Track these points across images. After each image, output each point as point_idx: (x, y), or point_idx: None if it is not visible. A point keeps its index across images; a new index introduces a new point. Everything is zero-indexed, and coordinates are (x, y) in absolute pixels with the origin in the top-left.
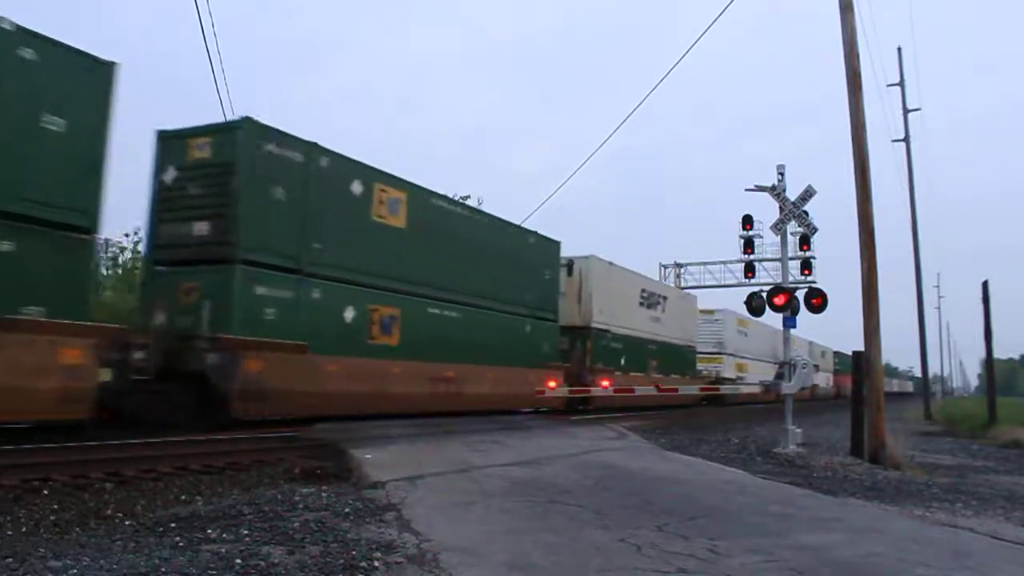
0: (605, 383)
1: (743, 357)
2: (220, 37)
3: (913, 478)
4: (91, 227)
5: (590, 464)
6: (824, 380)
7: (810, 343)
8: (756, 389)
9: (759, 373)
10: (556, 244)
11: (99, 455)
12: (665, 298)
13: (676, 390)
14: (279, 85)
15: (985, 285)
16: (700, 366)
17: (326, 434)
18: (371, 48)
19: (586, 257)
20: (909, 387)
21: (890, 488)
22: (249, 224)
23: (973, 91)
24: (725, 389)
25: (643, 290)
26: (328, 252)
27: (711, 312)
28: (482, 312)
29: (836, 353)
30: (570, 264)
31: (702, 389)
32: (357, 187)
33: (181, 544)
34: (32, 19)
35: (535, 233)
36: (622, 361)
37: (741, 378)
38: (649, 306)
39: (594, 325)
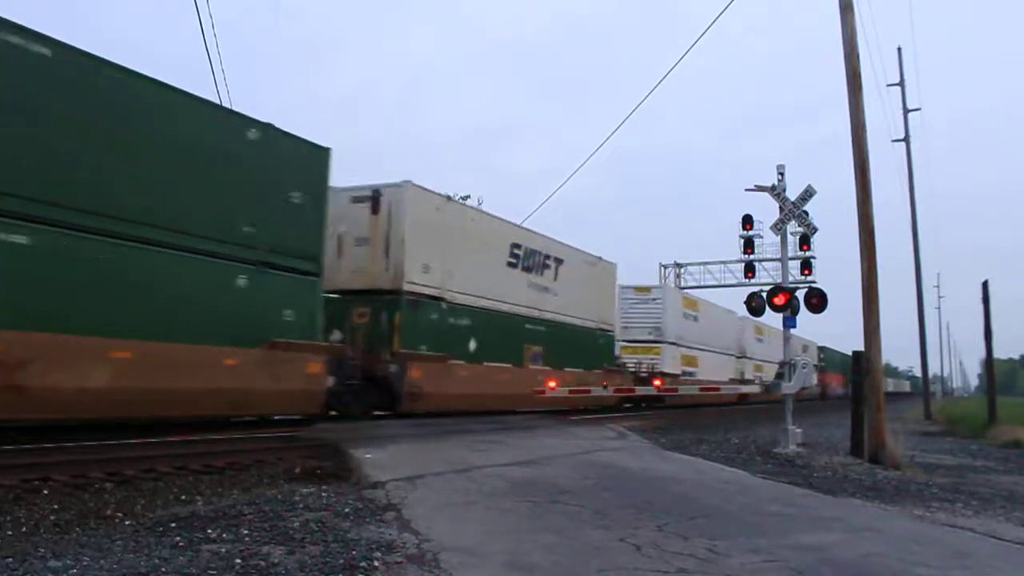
0: (417, 373)
1: (692, 347)
2: (220, 37)
3: (913, 478)
4: None
5: (590, 464)
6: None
7: (797, 338)
8: (713, 387)
9: (715, 368)
10: (320, 152)
11: (99, 455)
12: (559, 261)
13: (542, 388)
14: (279, 86)
15: (985, 285)
16: (629, 357)
17: (326, 434)
18: (371, 48)
19: (398, 184)
20: (905, 386)
21: (890, 488)
22: None
23: (973, 90)
24: (640, 389)
25: (515, 245)
26: None
27: (646, 289)
28: (102, 242)
29: (821, 348)
30: (375, 196)
31: (617, 390)
32: None
33: (181, 544)
34: (33, 18)
35: (268, 126)
36: (471, 345)
37: (689, 373)
38: (527, 269)
39: (410, 288)
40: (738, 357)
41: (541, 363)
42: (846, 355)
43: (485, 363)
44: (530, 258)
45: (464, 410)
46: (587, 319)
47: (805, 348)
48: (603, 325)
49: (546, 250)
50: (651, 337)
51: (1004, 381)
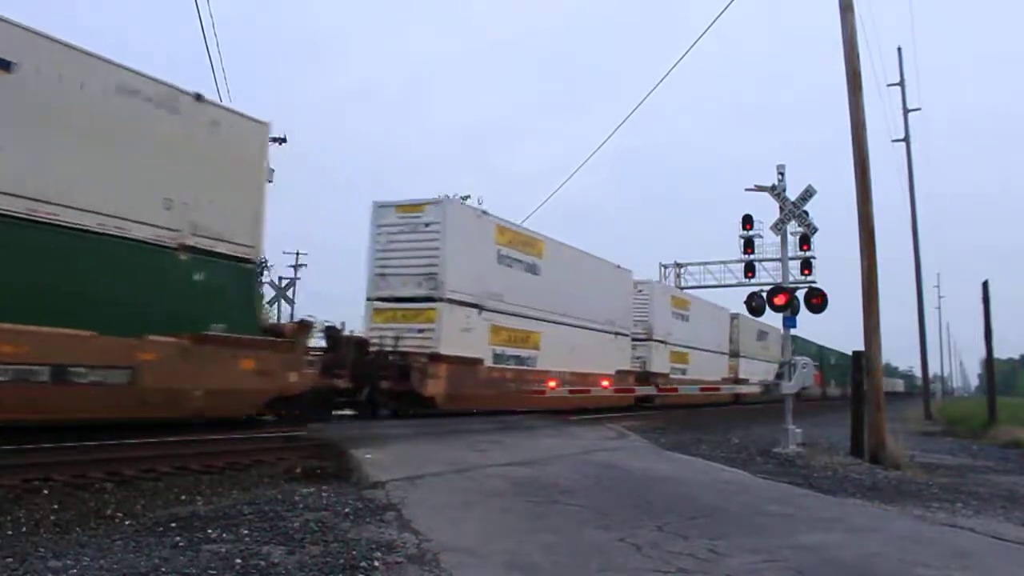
0: None
1: (525, 316)
2: (220, 36)
3: (913, 478)
4: None
5: (590, 464)
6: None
7: (747, 320)
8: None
9: (585, 355)
10: None
11: (99, 455)
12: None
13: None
14: (280, 88)
15: (985, 285)
16: (384, 328)
17: (326, 434)
18: (371, 48)
19: None
20: (900, 386)
21: (890, 488)
22: None
23: (973, 90)
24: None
25: None
26: None
27: (416, 207)
28: None
29: (793, 340)
30: None
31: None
32: None
33: (181, 544)
34: (33, 17)
35: None
36: None
37: (519, 359)
38: None
39: None
40: (641, 340)
41: None
42: (828, 350)
43: None
44: None
45: None
46: (131, 219)
47: (764, 334)
48: (208, 241)
49: None
50: (421, 292)
51: (1004, 381)
